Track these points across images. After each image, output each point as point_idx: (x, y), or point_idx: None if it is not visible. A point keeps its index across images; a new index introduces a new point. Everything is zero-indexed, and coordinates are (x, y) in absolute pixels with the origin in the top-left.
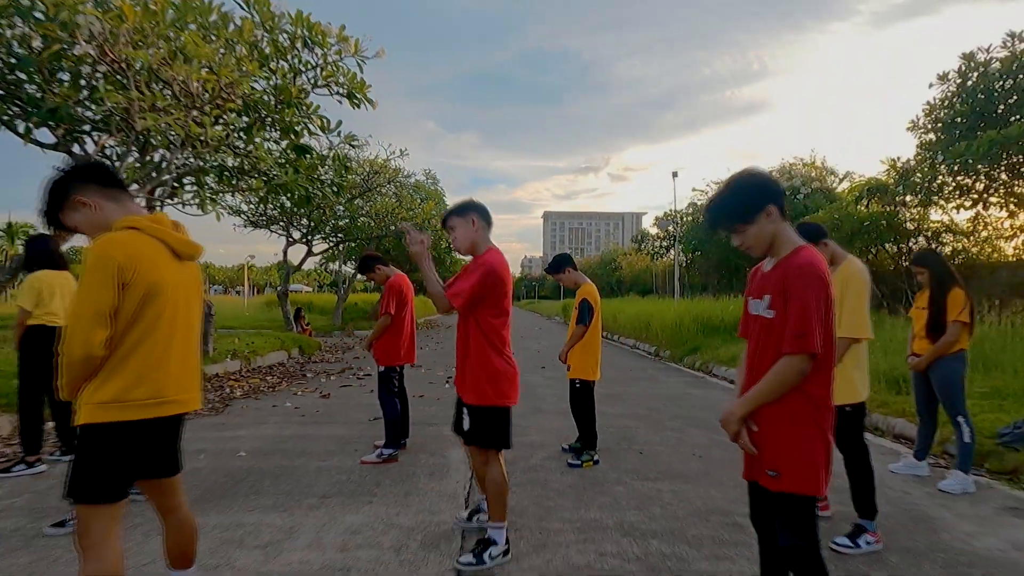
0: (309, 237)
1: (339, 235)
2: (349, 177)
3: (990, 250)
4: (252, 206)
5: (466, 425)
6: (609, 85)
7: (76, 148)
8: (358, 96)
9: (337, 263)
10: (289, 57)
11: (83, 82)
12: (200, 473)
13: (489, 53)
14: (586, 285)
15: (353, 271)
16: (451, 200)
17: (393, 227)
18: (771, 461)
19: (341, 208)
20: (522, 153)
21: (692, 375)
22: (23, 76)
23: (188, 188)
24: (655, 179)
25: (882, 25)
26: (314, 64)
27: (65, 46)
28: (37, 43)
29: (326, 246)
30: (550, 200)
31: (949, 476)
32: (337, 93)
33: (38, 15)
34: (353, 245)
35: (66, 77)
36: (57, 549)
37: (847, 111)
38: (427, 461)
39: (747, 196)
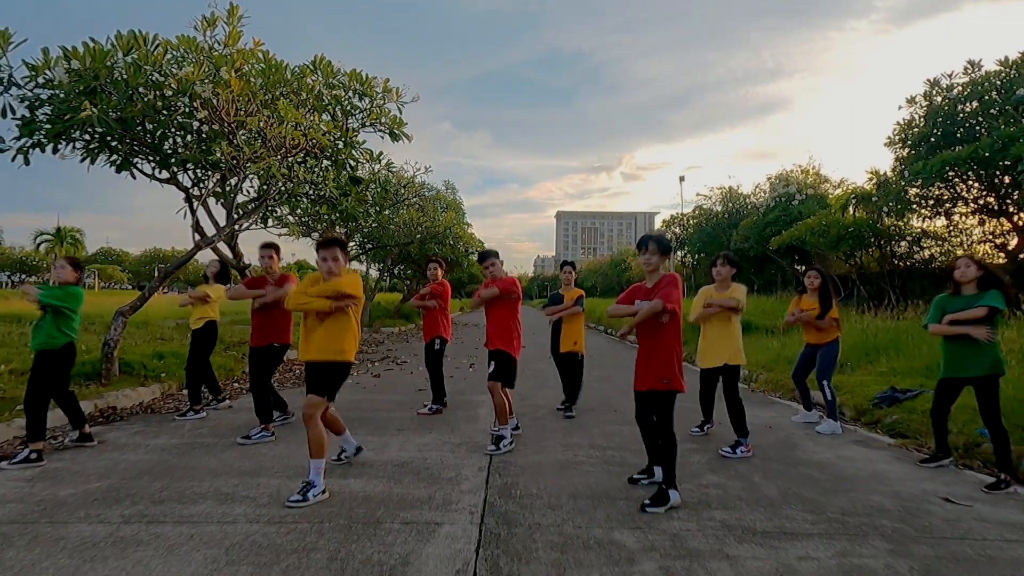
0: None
1: (371, 242)
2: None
3: (962, 254)
4: (296, 218)
5: (491, 368)
6: (623, 85)
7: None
8: (397, 132)
9: (365, 266)
10: (343, 102)
11: (196, 136)
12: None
13: (503, 54)
14: (578, 289)
15: (379, 272)
16: (468, 203)
17: (418, 236)
18: (664, 375)
19: (372, 218)
20: (535, 153)
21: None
22: (149, 129)
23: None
24: (669, 178)
25: (901, 23)
26: (362, 108)
27: (187, 110)
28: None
29: (359, 252)
30: (563, 199)
31: (823, 423)
32: (380, 131)
33: (171, 89)
34: (381, 251)
35: (189, 133)
36: (250, 450)
37: (863, 110)
38: (463, 414)
39: (668, 245)
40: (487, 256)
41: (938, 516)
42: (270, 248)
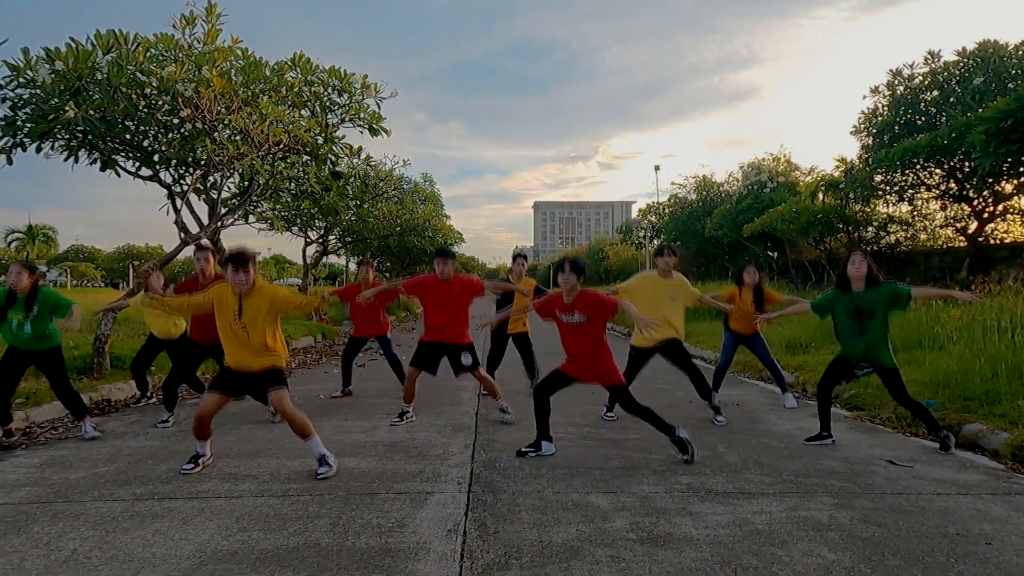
0: (324, 238)
1: (350, 236)
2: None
3: (926, 238)
4: (275, 213)
5: (466, 360)
6: (597, 74)
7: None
8: (376, 127)
9: (344, 260)
10: (323, 98)
11: (178, 133)
12: (302, 406)
13: (476, 43)
14: (530, 279)
15: (358, 265)
16: (445, 194)
17: (398, 228)
18: (609, 374)
19: (352, 212)
20: (511, 143)
21: None
22: (131, 127)
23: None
24: (645, 167)
25: (869, 10)
26: (342, 104)
27: (169, 108)
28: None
29: (339, 245)
30: (540, 189)
31: (787, 398)
32: (359, 126)
33: (152, 88)
34: (361, 244)
35: (172, 131)
36: (246, 435)
37: (834, 97)
38: (448, 399)
39: (583, 268)
40: (450, 254)
41: (881, 476)
42: (206, 251)
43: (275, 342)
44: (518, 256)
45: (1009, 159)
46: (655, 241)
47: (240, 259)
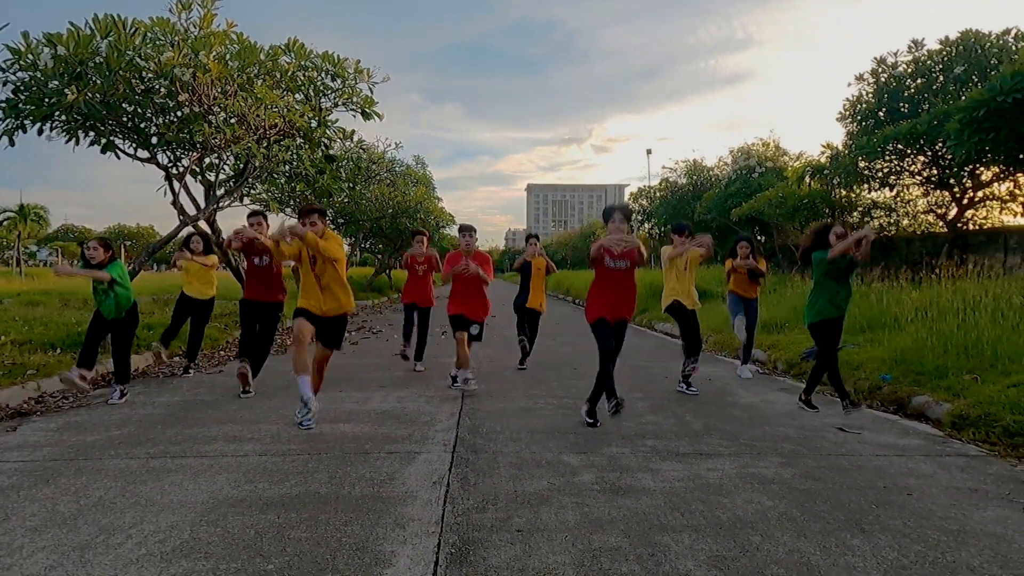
0: None
1: (343, 217)
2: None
3: (908, 223)
4: (271, 195)
5: (475, 331)
6: (593, 54)
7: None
8: (369, 111)
9: None
10: (316, 83)
11: (175, 116)
12: None
13: (472, 23)
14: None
15: (351, 247)
16: (438, 175)
17: (390, 211)
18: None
19: (345, 194)
20: (505, 124)
21: (637, 329)
22: (129, 111)
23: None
24: (638, 150)
25: None
26: (335, 89)
27: (167, 91)
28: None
29: (333, 227)
30: (533, 172)
31: (743, 370)
32: (352, 110)
33: (150, 72)
34: (353, 226)
35: (169, 114)
36: (248, 403)
37: (830, 80)
38: (436, 373)
39: (631, 213)
40: (473, 229)
41: (829, 440)
42: (258, 216)
43: (346, 287)
44: (530, 236)
45: (983, 148)
46: (646, 225)
47: (313, 209)
